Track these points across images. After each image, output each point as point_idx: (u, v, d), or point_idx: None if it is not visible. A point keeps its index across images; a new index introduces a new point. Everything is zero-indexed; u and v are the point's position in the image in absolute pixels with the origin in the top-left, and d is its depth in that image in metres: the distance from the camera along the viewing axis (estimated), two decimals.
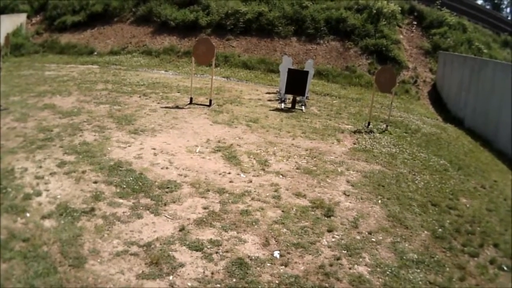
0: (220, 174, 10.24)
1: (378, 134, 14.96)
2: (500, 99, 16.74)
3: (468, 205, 10.26)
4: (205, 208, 8.61)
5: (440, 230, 8.87)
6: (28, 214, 7.81)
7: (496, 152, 15.69)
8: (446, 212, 9.72)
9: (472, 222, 9.43)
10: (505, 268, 8.00)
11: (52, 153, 10.53)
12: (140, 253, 7.02)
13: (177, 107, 15.81)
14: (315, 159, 11.78)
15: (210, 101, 16.44)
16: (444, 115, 21.42)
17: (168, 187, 9.31)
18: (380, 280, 7.13)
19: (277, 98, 18.68)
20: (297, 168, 11.02)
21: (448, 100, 22.91)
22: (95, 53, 27.53)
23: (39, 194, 8.54)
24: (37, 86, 17.61)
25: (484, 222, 9.52)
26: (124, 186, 9.18)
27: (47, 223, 7.60)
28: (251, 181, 10.00)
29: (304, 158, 11.80)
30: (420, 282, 7.22)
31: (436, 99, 24.10)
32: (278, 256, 7.36)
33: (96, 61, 25.27)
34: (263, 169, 10.76)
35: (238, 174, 10.33)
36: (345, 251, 7.67)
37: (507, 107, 16.14)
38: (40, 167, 9.73)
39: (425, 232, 8.74)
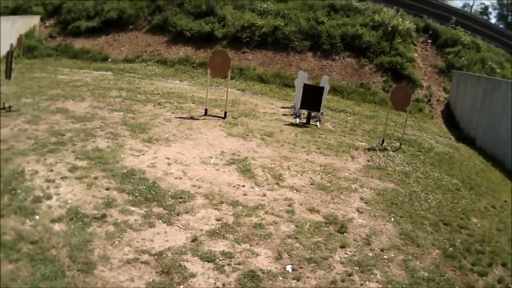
0: (234, 187, 10.26)
1: (392, 152, 15.02)
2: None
3: (478, 225, 10.32)
4: (218, 220, 8.63)
5: (451, 249, 8.93)
6: (37, 217, 7.80)
7: (507, 172, 15.71)
8: (457, 231, 9.79)
9: (482, 241, 9.48)
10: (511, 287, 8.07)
11: (64, 157, 10.52)
12: (151, 262, 7.02)
13: (191, 117, 15.83)
14: (329, 175, 11.84)
15: (225, 113, 16.45)
16: (456, 134, 21.47)
17: (181, 197, 9.31)
18: None
19: (292, 113, 18.71)
20: (311, 184, 11.07)
21: (461, 119, 22.95)
22: (109, 59, 27.73)
23: (49, 197, 8.53)
24: (50, 90, 17.68)
25: (493, 241, 9.57)
26: (137, 194, 9.19)
27: (57, 227, 7.59)
28: (265, 195, 10.04)
29: (319, 173, 11.85)
30: None
31: (449, 118, 24.13)
32: (290, 270, 7.40)
33: (110, 68, 25.42)
34: (277, 183, 10.80)
35: (252, 188, 10.37)
36: (357, 268, 7.73)
37: None
38: (51, 170, 9.71)
39: (436, 250, 8.80)
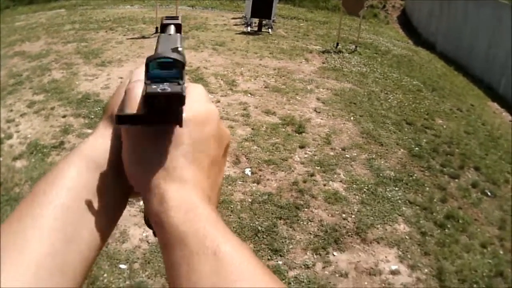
0: None
1: (347, 54, 14.89)
2: (474, 28, 16.98)
3: (444, 126, 10.21)
4: None
5: (417, 148, 8.81)
6: (0, 159, 7.71)
7: (471, 77, 15.77)
8: (422, 131, 9.67)
9: (450, 143, 9.39)
10: (489, 193, 7.97)
11: (22, 96, 10.41)
12: None
13: (143, 37, 15.73)
14: (283, 77, 11.68)
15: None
16: (414, 39, 21.41)
17: None
18: (357, 197, 7.06)
19: (243, 23, 18.50)
20: (266, 87, 10.93)
21: (419, 25, 22.86)
22: None
23: (10, 137, 8.46)
24: (7, 38, 17.22)
25: (462, 144, 9.49)
26: (92, 117, 9.16)
27: (18, 163, 7.55)
28: (219, 101, 9.91)
29: (272, 77, 11.70)
30: (400, 201, 7.18)
31: (406, 23, 24.05)
32: (249, 173, 7.28)
33: (64, 5, 24.81)
34: (231, 89, 10.68)
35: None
36: (319, 167, 7.56)
37: (482, 37, 16.37)
38: (11, 110, 9.61)
39: (401, 150, 8.67)
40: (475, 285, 6.13)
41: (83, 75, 11.62)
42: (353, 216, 6.80)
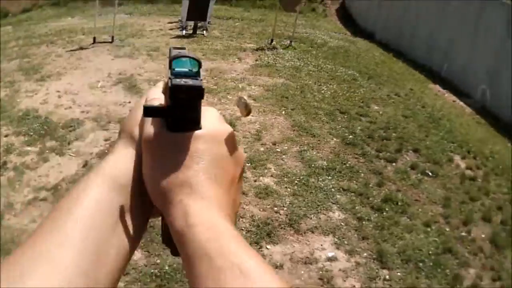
0: (120, 105, 10.25)
1: (281, 50, 14.96)
2: (416, 16, 17.36)
3: (381, 112, 10.30)
4: (106, 140, 8.68)
5: (350, 136, 8.86)
6: None
7: (411, 63, 15.98)
8: (356, 119, 9.73)
9: (387, 128, 9.47)
10: (429, 173, 8.04)
11: None
12: (48, 197, 7.00)
13: (81, 48, 15.62)
14: (215, 78, 11.71)
15: (112, 37, 16.40)
16: (353, 29, 21.63)
17: (71, 126, 9.31)
18: (289, 189, 7.06)
19: (179, 26, 18.70)
20: None
21: (358, 16, 23.14)
22: (10, 14, 26.99)
23: None
24: None
25: (400, 128, 9.59)
26: (31, 133, 9.03)
27: None
28: None
29: (205, 78, 11.40)
30: (333, 189, 7.21)
31: (345, 16, 24.30)
32: None
33: (11, 22, 24.76)
34: None
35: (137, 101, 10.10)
36: (249, 164, 7.55)
37: (424, 25, 16.75)
38: None
39: (334, 139, 8.72)
40: (421, 264, 6.19)
41: (24, 91, 11.53)
42: (285, 208, 6.80)
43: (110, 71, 12.65)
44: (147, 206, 0.72)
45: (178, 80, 0.67)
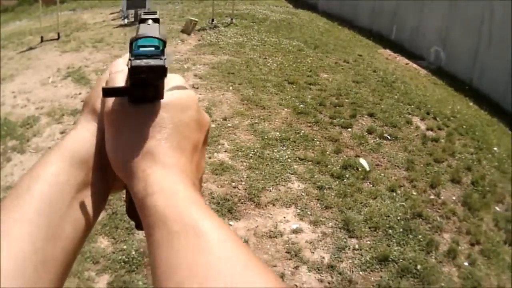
0: (72, 97, 10.51)
1: (223, 28, 15.09)
2: None
3: (330, 80, 10.40)
4: (62, 133, 8.80)
5: (301, 105, 8.95)
6: None
7: (358, 29, 16.14)
8: (306, 88, 9.83)
9: (338, 95, 9.57)
10: (388, 137, 8.15)
11: None
12: None
13: (30, 48, 15.87)
14: None
15: (58, 34, 16.87)
16: (294, 2, 21.69)
17: (28, 123, 9.49)
18: (244, 163, 7.11)
19: (121, 16, 18.99)
20: None
21: None
22: None
23: None
24: None
25: (352, 93, 9.69)
26: None
27: None
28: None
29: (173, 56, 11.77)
30: (289, 160, 7.25)
31: None
32: None
33: None
34: None
35: (88, 92, 10.14)
36: None
37: None
38: None
39: (285, 109, 8.80)
40: (390, 231, 6.23)
41: None
42: (243, 183, 6.84)
43: (59, 66, 12.96)
44: (108, 181, 0.74)
45: (138, 61, 0.66)
